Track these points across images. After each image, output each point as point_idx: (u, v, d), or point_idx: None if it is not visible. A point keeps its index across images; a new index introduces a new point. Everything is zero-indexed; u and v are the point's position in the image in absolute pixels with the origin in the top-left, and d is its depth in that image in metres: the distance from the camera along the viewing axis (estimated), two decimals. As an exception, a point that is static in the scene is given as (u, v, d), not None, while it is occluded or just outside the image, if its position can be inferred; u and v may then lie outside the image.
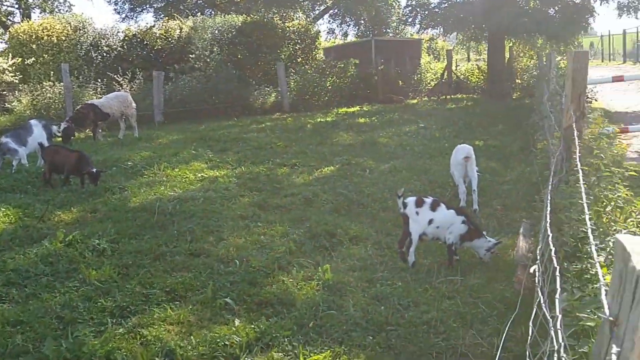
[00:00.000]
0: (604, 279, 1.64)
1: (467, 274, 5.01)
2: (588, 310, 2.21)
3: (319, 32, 23.07)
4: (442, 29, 19.63)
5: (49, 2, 29.99)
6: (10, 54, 17.22)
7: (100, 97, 13.76)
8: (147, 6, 28.55)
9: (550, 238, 2.64)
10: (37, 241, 5.87)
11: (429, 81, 20.56)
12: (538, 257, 3.02)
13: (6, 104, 15.79)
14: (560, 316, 1.92)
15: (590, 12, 17.39)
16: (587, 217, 2.29)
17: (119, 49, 18.99)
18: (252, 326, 4.13)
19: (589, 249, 1.97)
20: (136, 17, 28.90)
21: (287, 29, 20.86)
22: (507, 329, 3.95)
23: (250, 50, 19.31)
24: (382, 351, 3.84)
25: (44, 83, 15.56)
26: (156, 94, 15.32)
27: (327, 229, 6.09)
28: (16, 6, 29.36)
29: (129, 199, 7.40)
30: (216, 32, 19.44)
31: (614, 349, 1.10)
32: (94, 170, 7.87)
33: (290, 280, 4.92)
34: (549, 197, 3.74)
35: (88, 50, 18.41)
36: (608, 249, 2.76)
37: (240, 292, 4.69)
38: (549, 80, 10.09)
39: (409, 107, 16.87)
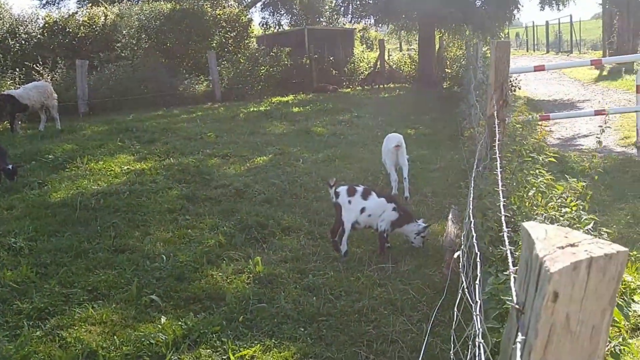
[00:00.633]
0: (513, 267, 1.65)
1: (398, 261, 5.07)
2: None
3: (251, 20, 22.71)
4: (373, 19, 19.82)
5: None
6: None
7: (19, 88, 12.97)
8: (70, -8, 27.23)
9: (472, 224, 2.67)
10: (-55, 242, 5.46)
11: (362, 70, 20.73)
12: (463, 243, 3.06)
13: None
14: (480, 302, 1.93)
15: (515, 4, 18.06)
16: (501, 204, 2.33)
17: (39, 36, 18.04)
18: (179, 323, 4.00)
19: (505, 236, 2.00)
20: (58, 3, 27.50)
21: (218, 16, 20.38)
22: (435, 314, 4.02)
23: (180, 39, 18.73)
24: (313, 342, 3.81)
25: (-45, 72, 14.58)
26: (80, 83, 14.62)
27: (258, 220, 5.99)
28: None
29: (49, 195, 7.01)
30: (143, 19, 18.77)
31: (519, 337, 1.09)
32: (10, 166, 7.39)
33: (220, 274, 4.81)
34: (473, 184, 3.81)
35: (4, 37, 17.34)
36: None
37: (167, 288, 4.54)
38: (475, 70, 10.38)
39: (342, 96, 16.93)
